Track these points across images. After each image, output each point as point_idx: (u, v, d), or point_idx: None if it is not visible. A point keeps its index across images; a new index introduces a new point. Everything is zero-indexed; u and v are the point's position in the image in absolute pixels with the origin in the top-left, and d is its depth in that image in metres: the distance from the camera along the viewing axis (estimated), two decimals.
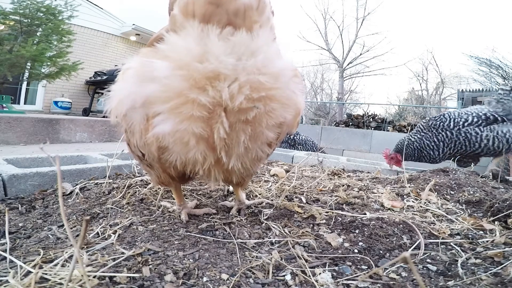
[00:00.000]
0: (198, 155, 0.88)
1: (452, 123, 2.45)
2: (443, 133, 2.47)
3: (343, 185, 1.89)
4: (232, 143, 0.87)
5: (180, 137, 0.83)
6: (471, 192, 1.76)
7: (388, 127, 10.24)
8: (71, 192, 1.59)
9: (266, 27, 0.80)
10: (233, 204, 1.43)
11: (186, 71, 0.76)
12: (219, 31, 0.74)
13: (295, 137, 5.32)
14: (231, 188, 1.74)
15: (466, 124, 2.42)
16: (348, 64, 21.38)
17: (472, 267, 0.95)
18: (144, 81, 0.82)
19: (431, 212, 1.44)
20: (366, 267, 0.96)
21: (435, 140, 2.51)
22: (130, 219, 1.21)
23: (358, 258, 1.01)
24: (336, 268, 0.95)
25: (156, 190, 1.59)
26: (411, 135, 2.71)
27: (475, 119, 2.40)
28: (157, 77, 0.78)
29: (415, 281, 0.86)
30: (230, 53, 0.74)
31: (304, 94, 1.02)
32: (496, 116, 2.40)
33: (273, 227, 1.21)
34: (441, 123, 2.48)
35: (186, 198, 1.57)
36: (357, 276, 0.89)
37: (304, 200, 1.57)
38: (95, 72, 9.68)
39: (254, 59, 0.77)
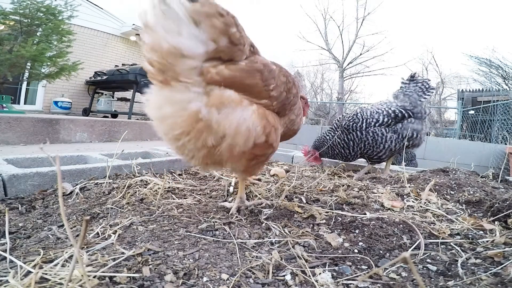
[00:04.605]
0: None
1: (364, 124, 2.47)
2: (354, 133, 2.51)
3: (343, 185, 1.89)
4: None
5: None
6: (471, 192, 1.76)
7: None
8: (71, 192, 1.59)
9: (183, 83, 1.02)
10: (233, 204, 1.43)
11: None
12: (161, 88, 1.04)
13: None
14: (231, 189, 1.74)
15: (377, 124, 2.45)
16: (348, 64, 21.36)
17: (472, 267, 0.95)
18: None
19: (431, 212, 1.44)
20: (366, 267, 0.96)
21: (346, 139, 2.55)
22: (130, 219, 1.21)
23: (358, 258, 1.01)
24: (336, 268, 0.95)
25: (156, 190, 1.59)
26: (326, 133, 2.73)
27: (386, 119, 2.43)
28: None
29: (415, 281, 0.86)
30: (158, 105, 1.07)
31: None
32: (404, 112, 2.43)
33: (273, 227, 1.21)
34: (354, 124, 2.51)
35: (185, 198, 1.57)
36: (357, 276, 0.89)
37: (304, 200, 1.57)
38: (95, 72, 9.66)
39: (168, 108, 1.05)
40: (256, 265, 0.93)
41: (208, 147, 1.08)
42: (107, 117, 9.42)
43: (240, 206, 1.40)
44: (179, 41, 0.93)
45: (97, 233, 1.09)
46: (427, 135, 3.26)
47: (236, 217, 1.31)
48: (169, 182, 1.79)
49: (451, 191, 1.81)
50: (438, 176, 2.15)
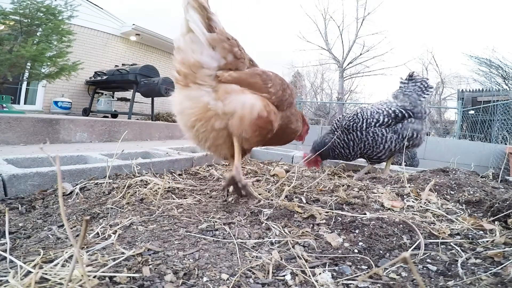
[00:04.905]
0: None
1: (364, 124, 2.47)
2: (354, 133, 2.50)
3: (343, 185, 1.89)
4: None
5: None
6: (471, 192, 1.76)
7: None
8: (71, 192, 1.59)
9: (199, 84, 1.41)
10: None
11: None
12: (182, 89, 1.45)
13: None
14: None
15: (377, 124, 2.44)
16: (348, 64, 21.32)
17: (472, 267, 0.95)
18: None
19: (431, 212, 1.44)
20: (366, 267, 0.96)
21: (346, 139, 2.55)
22: (130, 219, 1.21)
23: (358, 258, 1.01)
24: (336, 268, 0.95)
25: (156, 190, 1.59)
26: (325, 136, 2.73)
27: (386, 119, 2.42)
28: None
29: (415, 281, 0.86)
30: (180, 101, 1.46)
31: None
32: (404, 112, 2.42)
33: (273, 227, 1.21)
34: (354, 124, 2.50)
35: (185, 198, 1.57)
36: (357, 276, 0.89)
37: (304, 200, 1.57)
38: (95, 72, 9.66)
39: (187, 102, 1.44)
40: (256, 265, 0.93)
41: (216, 130, 1.43)
42: (107, 117, 9.41)
43: (234, 176, 1.43)
44: (201, 58, 1.35)
45: (97, 233, 1.09)
46: (427, 135, 3.26)
47: (236, 216, 1.31)
48: (169, 182, 1.79)
49: (451, 191, 1.81)
50: (438, 176, 2.15)
